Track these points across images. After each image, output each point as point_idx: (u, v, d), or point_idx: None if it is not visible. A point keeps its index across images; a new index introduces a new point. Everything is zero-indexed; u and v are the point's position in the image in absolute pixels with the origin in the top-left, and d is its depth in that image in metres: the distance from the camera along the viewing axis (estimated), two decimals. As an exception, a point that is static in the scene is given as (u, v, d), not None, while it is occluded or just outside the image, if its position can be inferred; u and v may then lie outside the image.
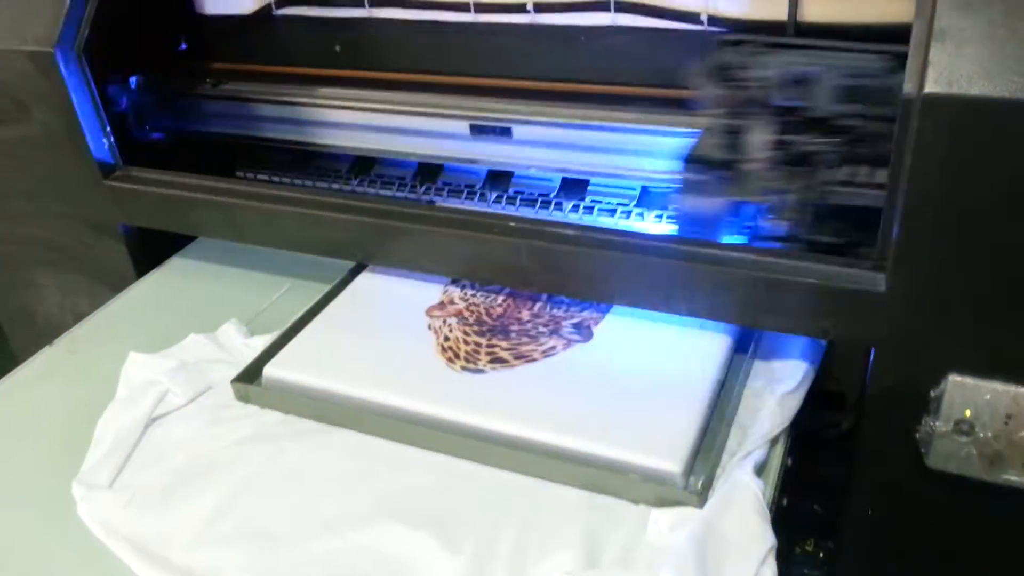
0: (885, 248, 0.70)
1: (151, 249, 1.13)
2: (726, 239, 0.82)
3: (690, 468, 0.68)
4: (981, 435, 0.70)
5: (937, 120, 0.62)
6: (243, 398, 0.82)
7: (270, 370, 0.82)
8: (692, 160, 0.80)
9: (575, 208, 1.00)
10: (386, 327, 0.86)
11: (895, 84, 0.67)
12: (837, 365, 0.97)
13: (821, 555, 1.10)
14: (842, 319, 0.73)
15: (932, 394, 0.71)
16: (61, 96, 1.00)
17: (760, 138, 0.77)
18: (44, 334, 1.02)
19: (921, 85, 0.62)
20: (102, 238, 1.11)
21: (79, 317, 1.03)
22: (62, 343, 0.95)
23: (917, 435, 0.73)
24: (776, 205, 0.78)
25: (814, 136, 0.75)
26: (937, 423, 0.71)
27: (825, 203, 0.77)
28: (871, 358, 0.74)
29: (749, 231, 0.82)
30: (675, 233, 0.87)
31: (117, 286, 1.09)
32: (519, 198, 1.04)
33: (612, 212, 0.98)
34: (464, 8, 0.98)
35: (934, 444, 0.72)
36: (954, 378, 0.70)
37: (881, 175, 0.73)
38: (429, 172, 1.11)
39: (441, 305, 0.89)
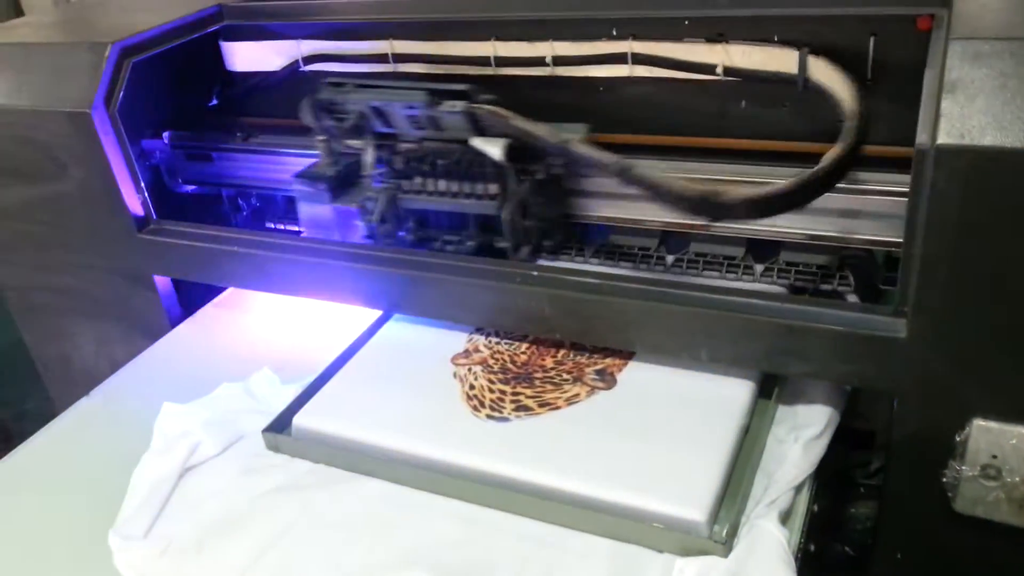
0: (904, 295, 0.70)
1: (185, 299, 1.16)
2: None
3: (715, 516, 0.69)
4: (1008, 479, 0.70)
5: (951, 170, 0.63)
6: (273, 448, 0.83)
7: (299, 420, 0.83)
8: (302, 175, 1.03)
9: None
10: (412, 375, 0.88)
11: (437, 113, 0.89)
12: (865, 403, 0.97)
13: (852, 597, 1.08)
14: (864, 365, 0.73)
15: (958, 439, 0.71)
16: (97, 155, 1.03)
17: (362, 157, 1.00)
18: (80, 382, 1.04)
19: (934, 136, 0.63)
20: (137, 289, 1.13)
21: (115, 365, 1.06)
22: (97, 395, 0.97)
23: (944, 480, 0.72)
24: (368, 209, 0.99)
25: (394, 154, 0.98)
26: (963, 468, 0.71)
27: (403, 207, 0.99)
28: (895, 404, 0.74)
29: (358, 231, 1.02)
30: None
31: (152, 335, 1.12)
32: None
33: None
34: (485, 63, 1.00)
35: (961, 489, 0.72)
36: (979, 423, 0.70)
37: (438, 184, 0.96)
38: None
39: (466, 353, 0.90)
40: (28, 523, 0.81)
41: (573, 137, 0.85)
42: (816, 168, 0.72)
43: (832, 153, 0.73)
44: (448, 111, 0.89)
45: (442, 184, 0.96)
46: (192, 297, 1.16)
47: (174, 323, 1.14)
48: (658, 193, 0.77)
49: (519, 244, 0.96)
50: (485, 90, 0.91)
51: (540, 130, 0.86)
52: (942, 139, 0.63)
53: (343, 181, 1.03)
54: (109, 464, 0.84)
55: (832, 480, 0.78)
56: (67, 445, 0.90)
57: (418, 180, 0.97)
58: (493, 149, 0.89)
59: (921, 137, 0.67)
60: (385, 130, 0.97)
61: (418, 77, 1.04)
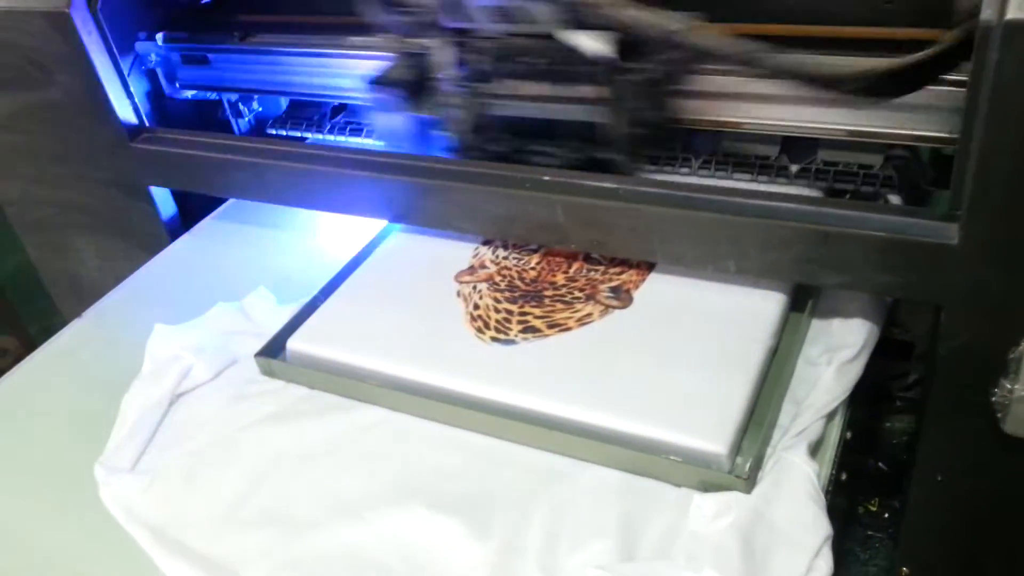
0: (959, 196, 0.63)
1: (185, 211, 1.11)
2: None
3: (737, 448, 0.63)
4: (1065, 400, 0.63)
5: (1022, 50, 0.54)
6: (267, 373, 0.79)
7: (293, 344, 0.78)
8: (376, 82, 0.88)
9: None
10: (413, 295, 0.82)
11: (523, 3, 0.77)
12: (903, 312, 0.92)
13: (886, 515, 1.04)
14: (910, 275, 0.67)
15: (1011, 356, 0.64)
16: (81, 58, 0.98)
17: (434, 58, 0.85)
18: (88, 298, 1.00)
19: (1003, 10, 0.54)
20: (133, 201, 1.09)
21: (119, 280, 1.02)
22: (89, 316, 0.93)
23: (993, 399, 0.66)
24: (450, 119, 0.87)
25: (475, 55, 0.83)
26: (1016, 387, 0.65)
27: (488, 115, 0.86)
28: (942, 317, 0.67)
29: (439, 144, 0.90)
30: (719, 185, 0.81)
31: (153, 249, 1.07)
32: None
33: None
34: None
35: (1012, 409, 0.66)
36: (1035, 338, 0.63)
37: (528, 88, 0.83)
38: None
39: (471, 269, 0.84)
40: (12, 455, 0.78)
41: (690, 25, 0.71)
42: (932, 48, 0.64)
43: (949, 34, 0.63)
44: None
45: (534, 87, 0.82)
46: (193, 209, 1.11)
47: (174, 236, 1.09)
48: (800, 78, 0.67)
49: (627, 153, 0.83)
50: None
51: (651, 18, 0.72)
52: (1012, 13, 0.54)
53: (420, 87, 0.88)
54: (99, 390, 0.80)
55: (867, 393, 0.72)
56: (56, 371, 0.87)
57: (505, 83, 0.83)
58: (597, 44, 0.75)
59: (986, 12, 0.57)
60: (459, 25, 0.83)
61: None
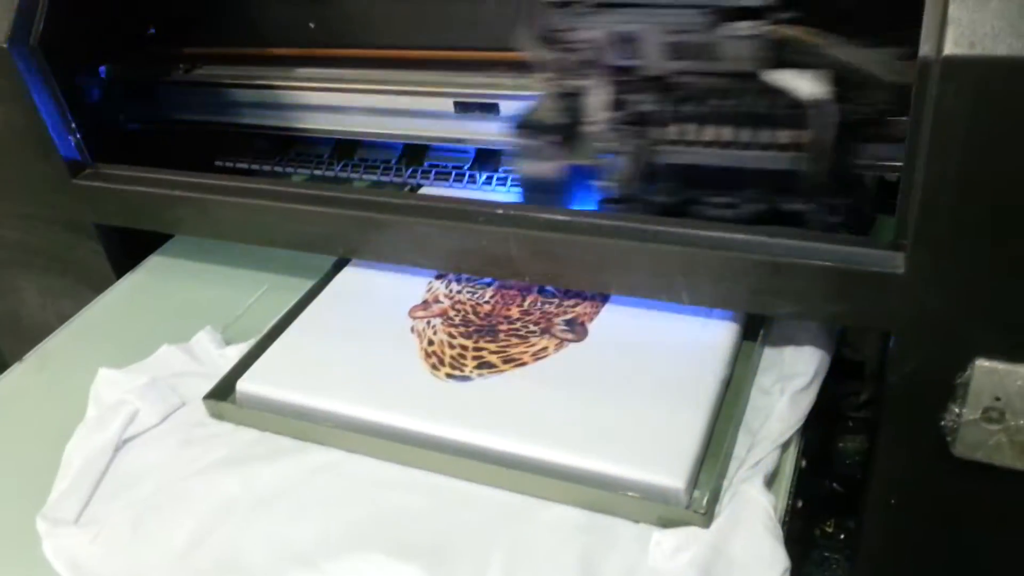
0: (903, 225, 0.64)
1: (129, 248, 1.08)
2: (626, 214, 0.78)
3: (694, 482, 0.63)
4: (1012, 423, 0.65)
5: (959, 84, 0.56)
6: (216, 415, 0.77)
7: (243, 385, 0.76)
8: (525, 125, 0.80)
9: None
10: (366, 332, 0.81)
11: (717, 39, 0.69)
12: (854, 332, 0.91)
13: (842, 536, 1.05)
14: (858, 304, 0.67)
15: (958, 380, 0.65)
16: (20, 93, 0.95)
17: (593, 100, 0.77)
18: (30, 337, 0.97)
19: (940, 46, 0.56)
20: (78, 238, 1.06)
21: (64, 319, 0.99)
22: (31, 359, 0.90)
23: (942, 423, 0.67)
24: (611, 167, 0.78)
25: (644, 95, 0.75)
26: (964, 410, 0.66)
27: (658, 162, 0.77)
28: (891, 344, 0.68)
29: (593, 196, 0.82)
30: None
31: (98, 287, 1.05)
32: (509, 178, 0.97)
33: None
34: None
35: (961, 432, 0.67)
36: (982, 363, 0.64)
37: (704, 131, 0.74)
38: (415, 154, 1.04)
39: (425, 304, 0.83)
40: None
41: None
42: None
43: None
44: (732, 35, 0.68)
45: (717, 132, 0.73)
46: (139, 243, 1.08)
47: (120, 272, 1.06)
48: None
49: (823, 204, 0.74)
50: (781, 4, 0.69)
51: (869, 59, 0.66)
52: (950, 48, 0.55)
53: (573, 131, 0.80)
54: (41, 438, 0.77)
55: (818, 414, 0.72)
56: (-3, 417, 0.84)
57: (679, 128, 0.74)
58: (809, 86, 0.67)
59: (924, 47, 0.59)
60: (627, 63, 0.75)
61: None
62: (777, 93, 0.69)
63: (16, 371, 0.89)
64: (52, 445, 0.75)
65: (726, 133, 0.73)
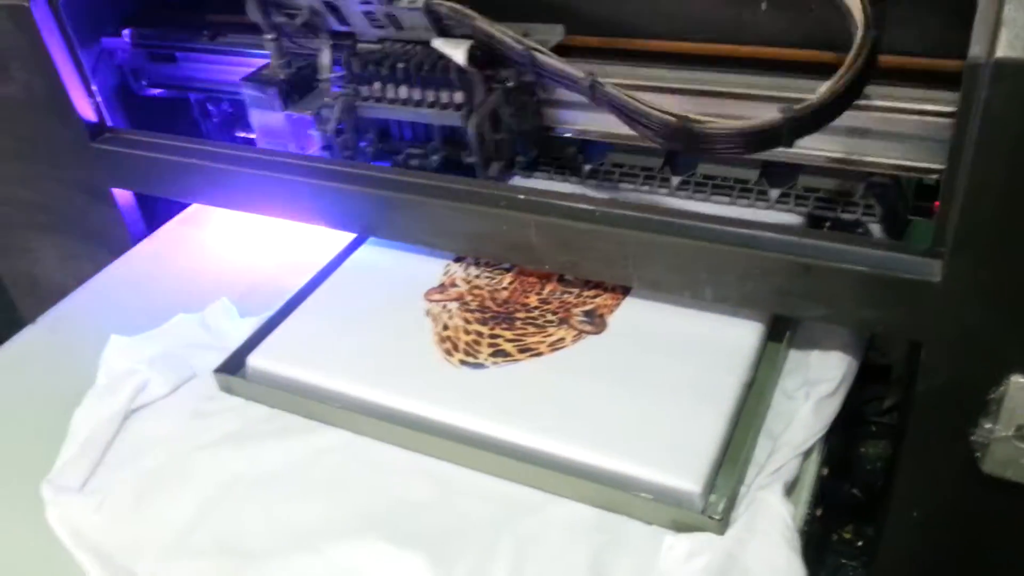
0: (942, 232, 0.62)
1: (148, 213, 1.07)
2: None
3: (711, 486, 0.61)
4: (1048, 442, 0.63)
5: (1011, 87, 0.53)
6: (227, 389, 0.76)
7: (254, 360, 0.75)
8: (252, 79, 0.94)
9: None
10: (380, 312, 0.79)
11: (397, 10, 0.80)
12: (882, 336, 0.88)
13: (860, 544, 1.03)
14: (890, 311, 0.65)
15: (991, 395, 0.63)
16: (40, 54, 0.94)
17: (318, 59, 0.91)
18: (49, 299, 0.97)
19: (992, 49, 0.53)
20: (94, 202, 1.06)
21: (81, 281, 0.98)
22: (43, 321, 0.90)
23: (972, 438, 0.65)
24: (324, 117, 0.90)
25: (352, 57, 0.87)
26: (996, 426, 0.64)
27: (360, 116, 0.90)
28: (922, 353, 0.66)
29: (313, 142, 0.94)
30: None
31: (116, 251, 1.04)
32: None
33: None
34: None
35: (991, 449, 0.65)
36: (1017, 379, 0.62)
37: (394, 91, 0.86)
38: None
39: (441, 288, 0.81)
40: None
41: (541, 44, 0.75)
42: (808, 102, 0.63)
43: (830, 85, 0.63)
44: (407, 7, 0.79)
45: (404, 91, 0.86)
46: (156, 210, 1.08)
47: (137, 239, 1.06)
48: (631, 118, 0.68)
49: (489, 159, 0.87)
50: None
51: (505, 34, 0.76)
52: (1002, 51, 0.53)
53: (297, 86, 0.94)
54: (51, 402, 0.76)
55: (841, 418, 0.70)
56: (7, 380, 0.83)
57: (378, 86, 0.87)
58: (456, 52, 0.79)
59: (975, 49, 0.56)
60: (341, 28, 0.87)
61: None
62: (446, 59, 0.80)
63: (28, 333, 0.89)
64: (60, 411, 0.75)
65: (414, 93, 0.85)
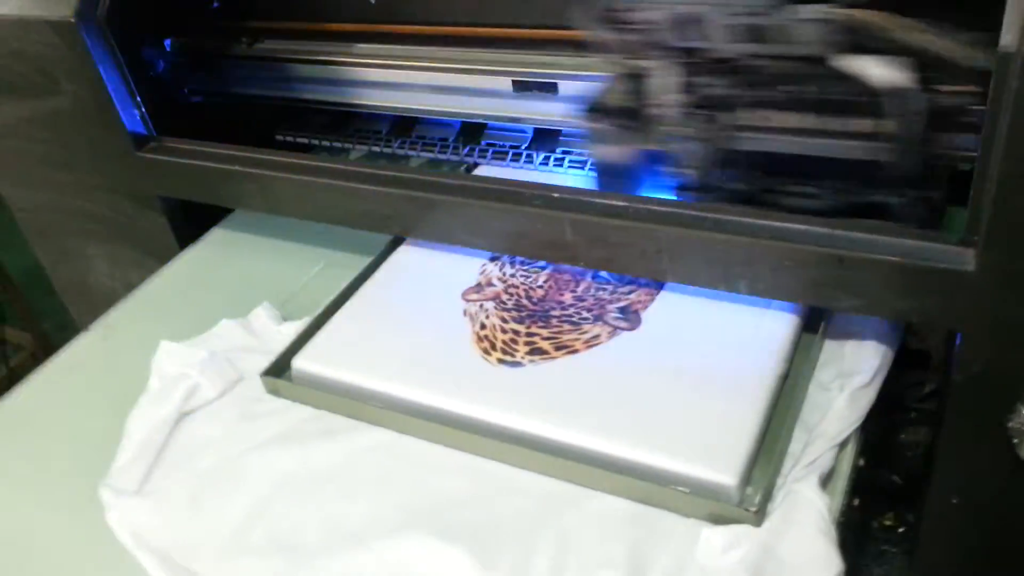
0: (976, 221, 0.61)
1: (193, 220, 1.10)
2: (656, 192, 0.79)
3: (747, 478, 0.62)
4: (1084, 430, 0.62)
5: (1045, 77, 0.52)
6: (273, 392, 0.78)
7: (299, 363, 0.77)
8: (593, 109, 0.78)
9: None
10: (419, 313, 0.81)
11: (785, 21, 0.66)
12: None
13: (901, 530, 1.03)
14: (925, 301, 0.65)
15: None
16: (87, 67, 0.97)
17: (660, 82, 0.74)
18: (100, 304, 1.00)
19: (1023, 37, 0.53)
20: (141, 210, 1.09)
21: (130, 287, 1.01)
22: (96, 329, 0.93)
23: (1009, 424, 0.65)
24: (683, 153, 0.76)
25: (712, 79, 0.72)
26: None
27: (730, 149, 0.74)
28: (958, 342, 0.66)
29: (666, 182, 0.80)
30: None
31: (162, 257, 1.07)
32: (567, 159, 0.96)
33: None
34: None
35: None
36: (1054, 367, 0.61)
37: (780, 118, 0.71)
38: (472, 133, 1.04)
39: (478, 287, 0.83)
40: (15, 475, 0.78)
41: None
42: None
43: None
44: (801, 18, 0.65)
45: (796, 119, 0.70)
46: (201, 217, 1.10)
47: (184, 243, 1.09)
48: None
49: (913, 197, 0.70)
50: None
51: (946, 45, 0.63)
52: (1035, 41, 0.52)
53: (643, 115, 0.77)
54: (106, 406, 0.79)
55: (881, 403, 0.71)
56: (63, 385, 0.86)
57: (755, 114, 0.71)
58: (882, 72, 0.64)
59: (1006, 37, 0.56)
60: (690, 45, 0.72)
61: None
62: (852, 80, 0.66)
63: (82, 340, 0.92)
64: (115, 414, 0.77)
65: (800, 120, 0.70)
